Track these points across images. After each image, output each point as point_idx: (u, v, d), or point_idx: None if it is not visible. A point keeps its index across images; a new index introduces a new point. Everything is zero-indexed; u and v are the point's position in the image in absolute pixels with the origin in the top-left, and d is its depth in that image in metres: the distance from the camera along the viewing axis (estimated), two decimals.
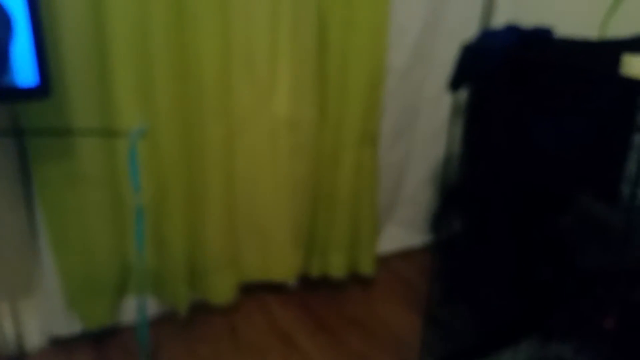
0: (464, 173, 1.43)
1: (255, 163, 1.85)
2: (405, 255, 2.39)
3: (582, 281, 1.39)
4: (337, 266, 2.10)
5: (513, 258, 1.52)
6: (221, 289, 1.92)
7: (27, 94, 1.27)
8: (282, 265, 2.03)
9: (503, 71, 1.34)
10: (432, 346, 1.58)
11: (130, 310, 1.84)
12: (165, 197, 1.69)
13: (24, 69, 1.23)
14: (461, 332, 1.64)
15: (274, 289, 2.09)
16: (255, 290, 2.06)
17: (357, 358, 1.78)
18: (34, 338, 1.75)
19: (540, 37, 1.45)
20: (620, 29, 1.58)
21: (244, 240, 1.93)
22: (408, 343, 1.84)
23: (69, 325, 1.75)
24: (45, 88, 1.27)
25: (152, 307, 1.89)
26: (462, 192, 1.54)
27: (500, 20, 2.09)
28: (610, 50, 1.20)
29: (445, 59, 1.47)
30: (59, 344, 1.77)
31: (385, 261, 2.33)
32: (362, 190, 2.05)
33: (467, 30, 1.98)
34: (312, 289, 2.13)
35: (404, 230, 2.35)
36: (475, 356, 1.55)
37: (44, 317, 1.74)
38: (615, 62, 1.07)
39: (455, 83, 1.35)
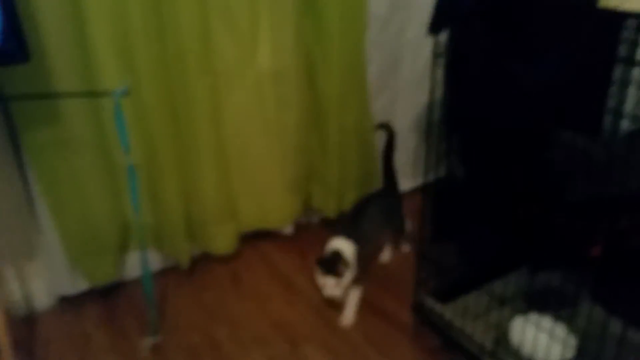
0: (447, 116, 1.44)
1: (244, 116, 1.85)
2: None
3: (568, 213, 1.43)
4: (350, 201, 2.15)
5: (500, 195, 1.55)
6: (221, 240, 1.97)
7: (4, 60, 1.25)
8: (278, 212, 2.07)
9: (480, 11, 1.32)
10: (426, 282, 1.64)
11: (134, 265, 1.89)
12: (156, 154, 1.70)
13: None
14: (452, 268, 1.70)
15: (272, 236, 2.14)
16: (254, 239, 2.12)
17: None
18: (43, 298, 1.81)
19: None
20: None
21: (240, 191, 1.97)
22: (405, 281, 1.90)
23: (75, 284, 1.81)
24: (23, 52, 1.25)
25: (155, 260, 1.94)
26: (447, 136, 1.55)
27: None
28: None
29: (424, 3, 1.45)
30: (67, 301, 1.83)
31: None
32: (365, 132, 2.09)
33: None
34: (307, 235, 2.19)
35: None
36: (466, 289, 1.61)
37: (50, 278, 1.79)
38: None
39: (435, 26, 1.33)
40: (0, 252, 1.66)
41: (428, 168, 1.56)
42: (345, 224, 1.82)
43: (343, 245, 1.69)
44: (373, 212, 1.83)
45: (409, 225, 2.08)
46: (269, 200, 2.02)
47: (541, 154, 1.42)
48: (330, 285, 1.65)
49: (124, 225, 1.80)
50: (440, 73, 1.30)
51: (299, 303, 1.83)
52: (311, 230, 2.23)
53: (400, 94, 2.27)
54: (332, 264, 1.64)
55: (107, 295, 1.86)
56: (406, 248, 2.10)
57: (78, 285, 1.81)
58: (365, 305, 1.80)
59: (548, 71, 1.29)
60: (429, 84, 1.33)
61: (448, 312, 1.56)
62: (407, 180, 2.45)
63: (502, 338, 1.43)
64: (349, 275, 1.67)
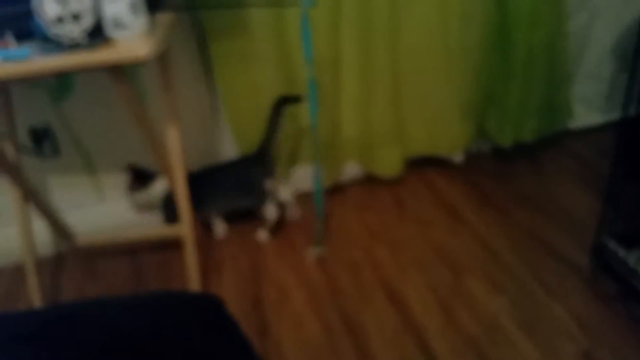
0: None
1: (423, 32, 1.74)
2: (581, 134, 2.18)
3: None
4: (530, 131, 2.00)
5: None
6: (388, 163, 1.94)
7: None
8: (448, 139, 1.97)
9: None
10: (610, 224, 1.47)
11: (300, 180, 1.96)
12: (333, 71, 1.69)
13: None
14: None
15: (439, 164, 2.06)
16: (420, 165, 2.06)
17: (526, 234, 1.73)
18: None
19: None
20: None
21: (410, 114, 1.89)
22: (582, 221, 1.74)
23: None
24: None
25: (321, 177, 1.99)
26: None
27: None
28: None
29: None
30: None
31: (557, 139, 2.15)
32: (557, 54, 1.88)
33: None
34: (478, 165, 2.07)
35: (582, 108, 2.12)
36: None
37: None
38: None
39: None
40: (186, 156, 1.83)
41: (630, 99, 1.35)
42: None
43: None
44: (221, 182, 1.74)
45: (292, 210, 1.88)
46: (440, 125, 1.92)
47: None
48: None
49: (295, 140, 1.85)
50: None
51: (464, 233, 1.75)
52: (482, 160, 2.10)
53: (601, 10, 1.96)
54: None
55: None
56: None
57: None
58: (536, 243, 1.68)
59: None
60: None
61: (632, 258, 1.43)
62: (598, 113, 2.18)
63: None
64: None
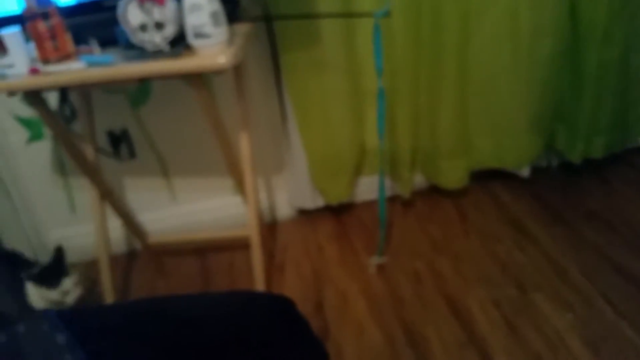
0: None
1: (493, 44, 1.73)
2: None
3: None
4: (600, 147, 1.94)
5: None
6: (452, 174, 1.93)
7: None
8: (516, 152, 1.93)
9: None
10: None
11: (364, 189, 1.98)
12: (398, 81, 1.70)
13: None
14: None
15: (504, 177, 2.03)
16: (485, 178, 2.03)
17: (594, 251, 1.67)
18: (284, 209, 2.02)
19: None
20: None
21: (477, 126, 1.88)
22: None
23: (314, 199, 1.97)
24: None
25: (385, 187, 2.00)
26: None
27: None
28: None
29: None
30: (304, 215, 2.02)
31: (627, 156, 2.08)
32: (631, 71, 1.82)
33: None
34: (545, 179, 2.02)
35: None
36: None
37: (292, 192, 1.98)
38: None
39: None
40: (256, 162, 1.89)
41: None
42: None
43: None
44: None
45: None
46: (507, 138, 1.89)
47: None
48: None
49: (361, 149, 1.88)
50: None
51: (530, 249, 1.71)
52: (550, 175, 2.04)
53: None
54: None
55: (340, 213, 1.99)
56: None
57: (316, 201, 1.97)
58: (605, 260, 1.62)
59: None
60: None
61: None
62: None
63: None
64: None
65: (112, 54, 1.24)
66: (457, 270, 1.67)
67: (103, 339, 0.77)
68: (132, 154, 1.82)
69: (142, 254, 1.92)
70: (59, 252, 1.55)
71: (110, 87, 1.70)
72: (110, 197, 1.67)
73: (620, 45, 1.76)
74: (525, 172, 2.00)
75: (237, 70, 1.48)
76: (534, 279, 1.59)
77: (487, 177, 2.03)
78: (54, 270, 1.53)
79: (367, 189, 1.97)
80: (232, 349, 0.77)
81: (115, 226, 1.79)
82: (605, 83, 1.80)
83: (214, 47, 1.22)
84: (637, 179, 1.99)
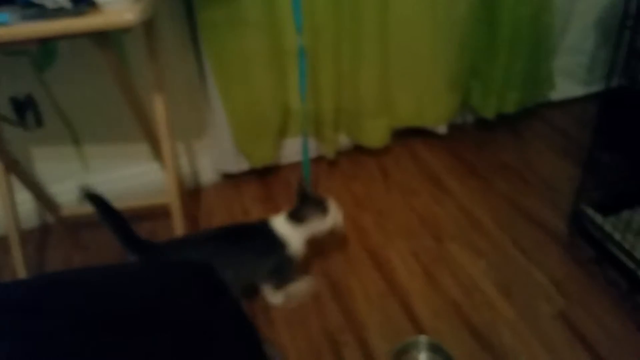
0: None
1: (413, 4, 1.75)
2: (562, 105, 2.23)
3: None
4: (512, 103, 2.04)
5: None
6: (374, 133, 1.96)
7: None
8: (435, 110, 2.00)
9: None
10: (588, 192, 1.52)
11: (288, 151, 1.98)
12: (319, 40, 1.69)
13: None
14: (617, 181, 1.60)
15: (423, 135, 2.09)
16: (405, 136, 2.09)
17: (506, 202, 1.77)
18: (208, 174, 1.98)
19: None
20: None
21: (398, 86, 1.91)
22: (560, 189, 1.79)
23: (237, 163, 1.94)
24: None
25: (310, 148, 2.01)
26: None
27: None
28: None
29: None
30: (229, 179, 1.99)
31: (539, 111, 2.20)
32: (542, 28, 1.91)
33: None
34: (461, 136, 2.11)
35: (563, 80, 2.16)
36: (631, 203, 1.47)
37: (216, 156, 1.94)
38: None
39: None
40: (175, 126, 1.83)
41: (612, 71, 1.39)
42: None
43: None
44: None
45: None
46: (427, 97, 1.94)
47: None
48: None
49: (285, 110, 1.86)
50: None
51: (447, 202, 1.79)
52: (465, 131, 2.14)
53: None
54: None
55: (265, 176, 1.98)
56: None
57: (240, 164, 1.95)
58: (516, 210, 1.73)
59: None
60: None
61: (608, 224, 1.49)
62: (579, 86, 2.23)
63: None
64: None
65: (7, 13, 1.14)
66: (379, 224, 1.72)
67: (3, 317, 0.72)
68: (39, 122, 1.70)
69: (55, 227, 1.83)
70: None
71: (9, 49, 1.57)
72: (16, 169, 1.57)
73: (532, 4, 1.83)
74: (442, 129, 2.07)
75: (148, 28, 1.41)
76: (450, 230, 1.68)
77: (407, 135, 2.08)
78: None
79: (293, 150, 1.97)
80: (148, 316, 0.75)
81: (25, 199, 1.69)
82: (517, 41, 1.88)
83: (121, 3, 1.15)
84: (547, 132, 2.12)
